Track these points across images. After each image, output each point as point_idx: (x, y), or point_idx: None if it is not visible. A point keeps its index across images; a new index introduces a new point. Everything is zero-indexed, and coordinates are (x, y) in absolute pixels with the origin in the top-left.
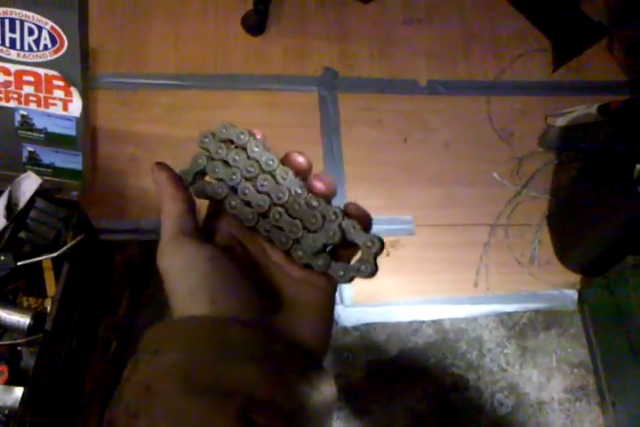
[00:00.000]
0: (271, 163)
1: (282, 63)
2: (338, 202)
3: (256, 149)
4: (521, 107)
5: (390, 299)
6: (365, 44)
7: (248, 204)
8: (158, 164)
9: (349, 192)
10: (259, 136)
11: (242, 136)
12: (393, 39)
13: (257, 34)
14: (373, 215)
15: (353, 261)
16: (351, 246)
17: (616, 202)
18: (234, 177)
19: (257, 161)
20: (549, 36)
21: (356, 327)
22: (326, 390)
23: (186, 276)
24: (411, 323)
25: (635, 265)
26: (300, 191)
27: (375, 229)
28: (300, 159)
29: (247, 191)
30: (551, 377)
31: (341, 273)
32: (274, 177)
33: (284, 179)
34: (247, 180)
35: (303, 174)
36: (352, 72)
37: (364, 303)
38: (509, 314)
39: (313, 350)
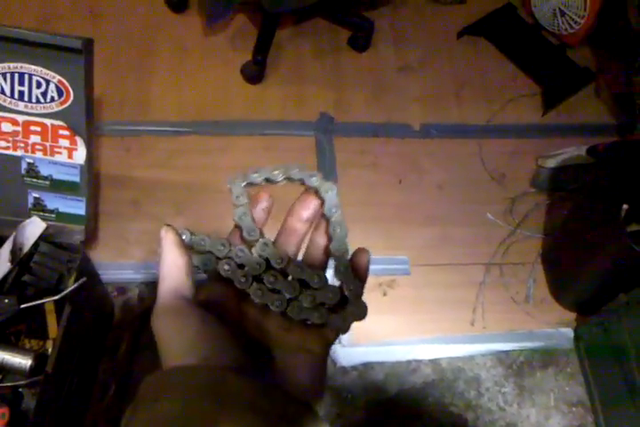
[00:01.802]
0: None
1: (279, 109)
2: None
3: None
4: (512, 149)
5: (388, 338)
6: (360, 91)
7: (241, 266)
8: (168, 225)
9: None
10: (265, 201)
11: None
12: (387, 85)
13: (256, 82)
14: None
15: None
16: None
17: (605, 241)
18: (222, 248)
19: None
20: (538, 82)
21: (354, 367)
22: None
23: (179, 336)
24: (409, 362)
25: (627, 303)
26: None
27: (371, 269)
28: (299, 225)
29: (241, 254)
30: (549, 416)
31: (340, 323)
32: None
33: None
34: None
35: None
36: (347, 117)
37: (362, 343)
38: (506, 353)
39: (309, 399)
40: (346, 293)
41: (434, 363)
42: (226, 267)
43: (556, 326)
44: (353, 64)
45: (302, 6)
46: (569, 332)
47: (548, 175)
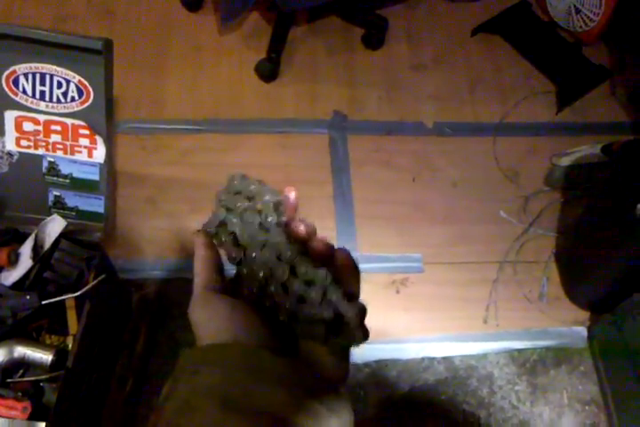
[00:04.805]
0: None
1: (293, 107)
2: (346, 241)
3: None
4: (526, 147)
5: (401, 336)
6: (374, 89)
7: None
8: (198, 231)
9: (359, 230)
10: (292, 195)
11: (252, 187)
12: (400, 84)
13: (270, 80)
14: (382, 253)
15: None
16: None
17: (620, 240)
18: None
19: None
20: (553, 80)
21: (367, 364)
22: (345, 416)
23: (212, 321)
24: (422, 360)
25: None
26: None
27: (385, 266)
28: (302, 228)
29: (255, 256)
30: (562, 415)
31: (339, 344)
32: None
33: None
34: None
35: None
36: (361, 115)
37: (375, 340)
38: (519, 351)
39: (334, 380)
40: (351, 320)
41: (447, 361)
42: (244, 270)
43: (569, 325)
44: (366, 62)
45: (316, 4)
46: (582, 330)
47: (563, 173)
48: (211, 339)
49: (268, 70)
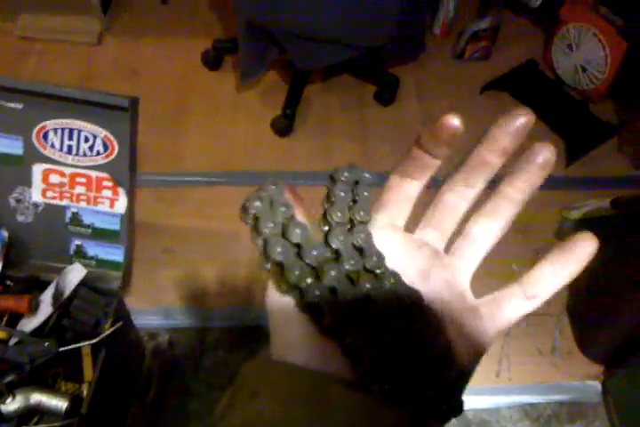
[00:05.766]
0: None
1: (307, 161)
2: None
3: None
4: (536, 201)
5: None
6: (386, 143)
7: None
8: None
9: None
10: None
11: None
12: (412, 138)
13: (285, 135)
14: None
15: None
16: None
17: (632, 294)
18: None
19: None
20: (561, 135)
21: None
22: None
23: (287, 330)
24: None
25: None
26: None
27: None
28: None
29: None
30: None
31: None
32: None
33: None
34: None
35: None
36: (373, 168)
37: None
38: (533, 405)
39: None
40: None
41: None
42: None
43: (583, 379)
44: (378, 118)
45: (331, 63)
46: (596, 385)
47: (573, 227)
48: (280, 351)
49: (284, 125)
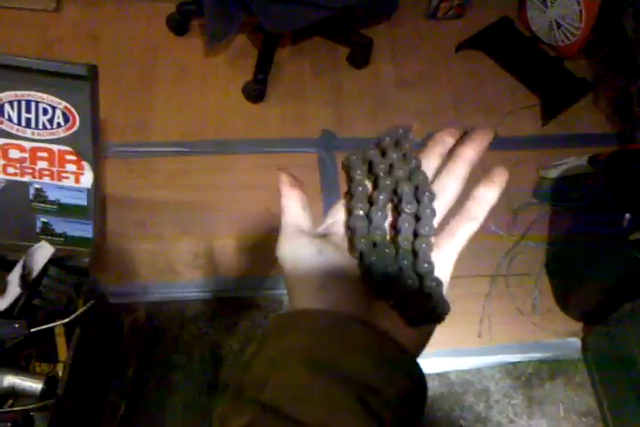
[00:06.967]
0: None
1: (281, 127)
2: None
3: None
4: (513, 161)
5: None
6: (360, 107)
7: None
8: (280, 169)
9: None
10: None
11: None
12: (386, 101)
13: (257, 101)
14: None
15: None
16: None
17: (609, 251)
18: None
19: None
20: (537, 93)
21: None
22: (423, 383)
23: (298, 264)
24: None
25: (633, 311)
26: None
27: None
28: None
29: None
30: None
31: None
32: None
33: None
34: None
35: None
36: (348, 132)
37: None
38: (514, 364)
39: (411, 350)
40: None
41: (441, 376)
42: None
43: (563, 337)
44: (352, 81)
45: (302, 26)
46: (576, 342)
47: (550, 186)
48: (302, 302)
49: (256, 91)
